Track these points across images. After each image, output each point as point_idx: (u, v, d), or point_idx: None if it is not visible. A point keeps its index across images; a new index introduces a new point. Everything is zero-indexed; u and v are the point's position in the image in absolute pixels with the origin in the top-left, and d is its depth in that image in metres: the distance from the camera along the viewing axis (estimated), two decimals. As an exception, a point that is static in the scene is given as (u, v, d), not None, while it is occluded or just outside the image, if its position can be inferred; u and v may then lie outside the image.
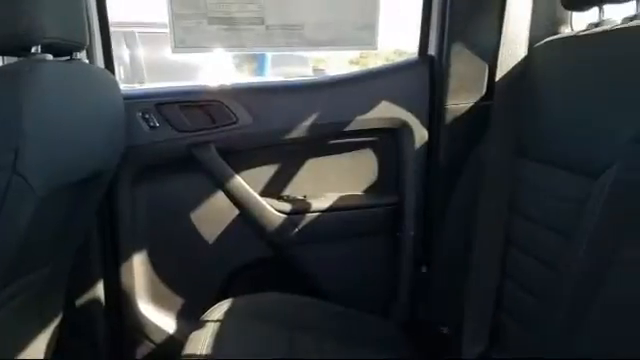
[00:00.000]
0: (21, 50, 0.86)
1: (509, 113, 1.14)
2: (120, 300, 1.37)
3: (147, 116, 1.29)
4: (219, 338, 1.08)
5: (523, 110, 1.12)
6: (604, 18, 1.03)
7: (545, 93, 1.06)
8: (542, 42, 1.14)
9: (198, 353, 1.04)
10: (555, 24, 1.26)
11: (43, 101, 0.78)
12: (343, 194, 1.41)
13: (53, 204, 0.88)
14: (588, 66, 0.95)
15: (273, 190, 1.39)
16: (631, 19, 0.93)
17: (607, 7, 1.04)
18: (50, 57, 0.89)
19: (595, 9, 1.04)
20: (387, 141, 1.39)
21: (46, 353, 1.17)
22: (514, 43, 1.19)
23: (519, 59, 1.18)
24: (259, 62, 4.52)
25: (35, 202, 0.79)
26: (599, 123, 0.87)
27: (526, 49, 1.18)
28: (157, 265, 1.39)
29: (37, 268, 1.02)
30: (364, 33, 1.39)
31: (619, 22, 0.98)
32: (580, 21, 1.19)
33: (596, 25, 1.03)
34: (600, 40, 0.95)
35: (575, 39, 1.04)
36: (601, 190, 0.81)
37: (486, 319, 1.04)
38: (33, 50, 0.87)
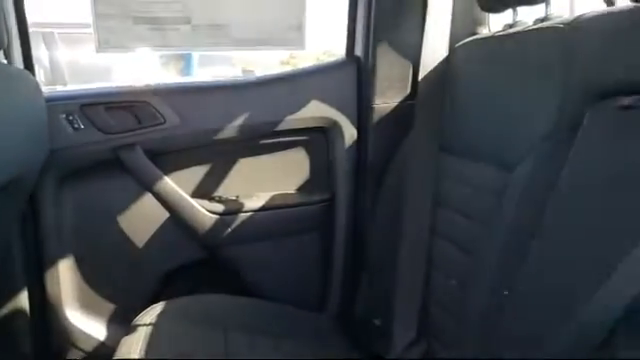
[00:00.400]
0: None
1: (431, 111, 1.19)
2: (46, 310, 1.32)
3: (71, 118, 1.25)
4: (151, 342, 1.06)
5: (444, 107, 1.17)
6: (517, 20, 1.10)
7: (464, 91, 1.12)
8: (461, 43, 1.20)
9: (130, 358, 1.02)
10: (474, 25, 1.32)
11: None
12: (275, 193, 1.42)
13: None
14: (501, 65, 1.01)
15: (204, 191, 1.39)
16: (541, 20, 1.00)
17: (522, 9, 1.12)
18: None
19: (511, 10, 1.11)
20: (317, 140, 1.42)
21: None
22: (435, 44, 1.25)
23: (440, 59, 1.23)
24: (186, 62, 4.46)
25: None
26: (512, 120, 0.93)
27: (447, 49, 1.24)
28: (85, 271, 1.35)
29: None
30: (292, 34, 1.41)
31: (531, 23, 1.05)
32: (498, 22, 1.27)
33: (511, 26, 1.10)
34: (512, 40, 1.01)
35: (490, 39, 1.10)
36: (516, 183, 0.87)
37: (415, 308, 1.08)
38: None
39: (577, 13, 0.92)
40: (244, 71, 5.28)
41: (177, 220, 1.35)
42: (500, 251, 0.86)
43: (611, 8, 0.81)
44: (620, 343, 0.62)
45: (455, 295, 0.99)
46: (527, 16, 1.11)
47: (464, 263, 0.97)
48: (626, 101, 0.68)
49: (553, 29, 0.89)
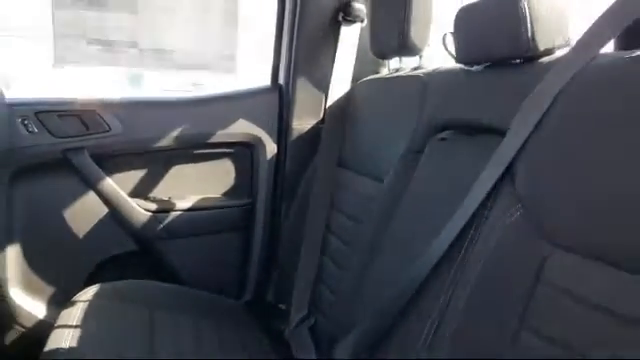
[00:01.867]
0: None
1: (334, 134, 1.46)
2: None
3: (26, 122, 1.44)
4: (86, 316, 1.26)
5: (345, 131, 1.45)
6: (401, 65, 1.39)
7: (358, 119, 1.40)
8: (361, 81, 1.48)
9: (67, 330, 1.21)
10: (377, 65, 1.61)
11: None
12: (204, 196, 1.65)
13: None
14: (382, 100, 1.29)
15: (141, 192, 1.60)
16: (414, 69, 1.29)
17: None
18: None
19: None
20: (242, 153, 1.66)
21: None
22: (341, 79, 1.53)
23: (345, 91, 1.51)
24: (134, 76, 4.61)
25: None
26: (384, 144, 1.21)
27: (349, 85, 1.52)
28: (30, 258, 1.52)
29: None
30: (225, 62, 1.65)
31: (408, 70, 1.34)
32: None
33: (397, 70, 1.39)
34: (391, 82, 1.30)
35: (379, 80, 1.39)
36: (382, 192, 1.14)
37: (308, 291, 1.33)
38: None
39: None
40: (194, 84, 5.47)
41: (115, 215, 1.55)
42: (367, 243, 1.13)
43: (454, 66, 1.10)
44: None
45: (338, 278, 1.25)
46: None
47: (346, 253, 1.24)
48: (443, 134, 0.96)
49: (416, 77, 1.18)
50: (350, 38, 1.55)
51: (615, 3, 0.70)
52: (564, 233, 0.65)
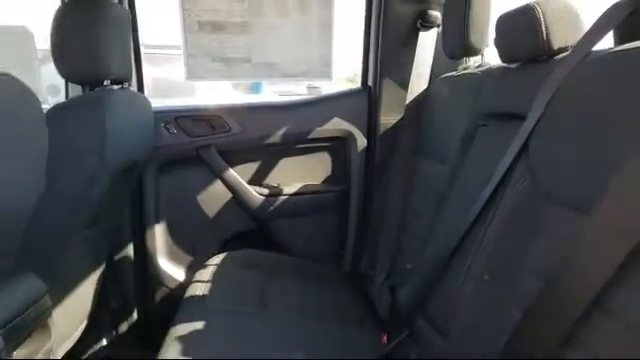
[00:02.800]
0: (97, 82, 1.42)
1: (412, 127, 1.70)
2: (145, 258, 1.91)
3: (168, 126, 1.84)
4: (214, 276, 1.61)
5: (421, 124, 1.68)
6: (469, 64, 1.60)
7: (433, 112, 1.63)
8: (437, 79, 1.70)
9: (199, 284, 1.57)
10: (454, 64, 1.82)
11: (116, 114, 1.33)
12: (306, 183, 1.96)
13: (115, 179, 1.42)
14: (450, 94, 1.51)
15: (256, 180, 1.94)
16: (477, 66, 1.50)
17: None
18: (115, 87, 1.45)
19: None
20: (338, 146, 1.95)
21: (95, 291, 1.69)
22: (420, 79, 1.77)
23: (422, 89, 1.75)
24: (255, 84, 5.10)
25: (109, 177, 1.32)
26: (450, 130, 1.43)
27: (427, 82, 1.75)
28: (173, 234, 1.92)
29: (98, 224, 1.55)
30: (322, 69, 1.95)
31: (472, 68, 1.54)
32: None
33: (465, 68, 1.60)
34: (458, 78, 1.51)
35: (448, 78, 1.61)
36: (447, 171, 1.37)
37: (388, 259, 1.59)
38: (105, 83, 1.42)
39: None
40: (309, 88, 5.89)
41: (236, 199, 1.91)
42: (432, 214, 1.36)
43: (501, 64, 1.29)
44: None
45: (411, 247, 1.49)
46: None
47: (419, 225, 1.47)
48: (485, 121, 1.18)
49: (474, 74, 1.39)
50: (428, 42, 1.78)
51: (607, 10, 0.89)
52: (558, 191, 0.85)
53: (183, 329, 1.27)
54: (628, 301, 0.68)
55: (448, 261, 1.11)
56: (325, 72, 1.96)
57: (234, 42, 1.89)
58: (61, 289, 1.38)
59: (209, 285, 1.55)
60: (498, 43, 1.18)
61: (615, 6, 0.89)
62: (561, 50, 1.03)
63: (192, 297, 1.48)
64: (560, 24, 1.02)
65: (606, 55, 0.85)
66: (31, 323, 1.12)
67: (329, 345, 1.30)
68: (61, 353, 1.48)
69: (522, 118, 1.02)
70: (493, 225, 0.97)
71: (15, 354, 1.10)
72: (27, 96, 1.03)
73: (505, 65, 1.23)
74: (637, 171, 0.68)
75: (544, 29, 1.02)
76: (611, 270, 0.69)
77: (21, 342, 1.10)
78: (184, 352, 1.15)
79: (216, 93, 3.86)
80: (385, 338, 1.31)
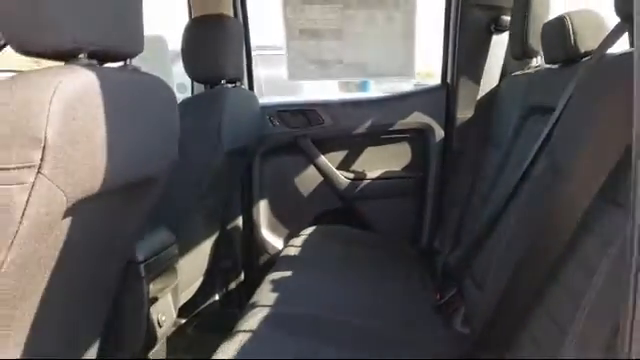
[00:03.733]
0: (216, 82, 1.78)
1: (483, 120, 1.91)
2: (251, 229, 2.27)
3: (272, 118, 2.18)
4: (305, 245, 1.93)
5: (492, 118, 1.88)
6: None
7: (499, 107, 1.83)
8: (505, 77, 1.90)
9: (292, 248, 1.89)
10: (521, 64, 1.99)
11: (230, 108, 1.68)
12: (388, 169, 2.21)
13: (228, 160, 1.77)
14: (512, 91, 1.70)
15: (344, 165, 2.23)
16: (536, 67, 1.68)
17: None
18: (230, 86, 1.81)
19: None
20: (417, 137, 2.18)
21: (210, 253, 2.07)
22: (491, 77, 1.96)
23: (493, 87, 1.94)
24: (363, 83, 5.42)
25: (224, 156, 1.67)
26: (508, 122, 1.62)
27: (497, 81, 1.94)
28: (273, 208, 2.27)
29: (214, 196, 1.91)
30: (406, 68, 2.20)
31: (531, 68, 1.72)
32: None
33: (528, 67, 1.78)
34: (519, 77, 1.70)
35: (514, 76, 1.79)
36: (500, 159, 1.57)
37: (452, 237, 1.81)
38: (222, 82, 1.78)
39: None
40: (415, 85, 6.14)
41: (327, 182, 2.21)
42: (486, 195, 1.57)
43: (547, 66, 1.48)
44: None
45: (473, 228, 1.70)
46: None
47: (480, 207, 1.69)
48: (526, 115, 1.38)
49: (528, 74, 1.58)
50: (499, 44, 1.96)
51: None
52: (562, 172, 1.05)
53: (275, 276, 1.59)
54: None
55: (490, 232, 1.33)
56: (408, 71, 2.20)
57: (328, 46, 2.20)
58: (184, 244, 1.76)
59: (299, 249, 1.88)
60: (543, 47, 1.38)
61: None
62: (587, 54, 1.21)
63: (285, 257, 1.81)
64: (586, 32, 1.20)
65: (613, 58, 1.03)
66: (163, 263, 1.50)
67: (392, 300, 1.56)
68: (183, 300, 1.87)
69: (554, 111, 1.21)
70: (520, 199, 1.19)
71: (151, 286, 1.47)
72: (165, 88, 1.22)
73: (548, 66, 1.41)
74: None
75: (572, 36, 1.21)
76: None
77: (156, 277, 1.48)
78: (273, 290, 1.48)
79: (322, 91, 4.25)
80: (439, 295, 1.55)
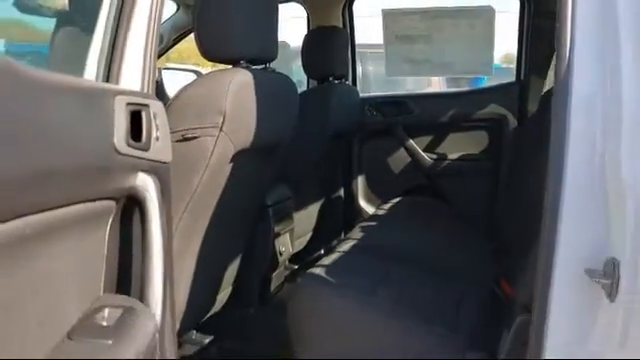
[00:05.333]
0: (325, 78, 2.31)
1: (547, 111, 2.26)
2: (351, 199, 2.78)
3: (370, 109, 2.68)
4: (392, 207, 2.41)
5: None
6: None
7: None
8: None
9: (380, 211, 2.38)
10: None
11: (335, 99, 2.20)
12: (466, 152, 2.62)
13: (335, 140, 2.28)
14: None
15: (429, 148, 2.67)
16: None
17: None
18: (336, 82, 2.33)
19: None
20: (493, 126, 2.57)
21: (317, 215, 2.59)
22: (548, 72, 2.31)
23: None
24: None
25: (328, 138, 2.20)
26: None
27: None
28: (369, 183, 2.77)
29: (321, 170, 2.44)
30: (484, 66, 2.59)
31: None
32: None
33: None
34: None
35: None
36: None
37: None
38: (330, 79, 2.31)
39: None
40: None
41: (414, 162, 2.66)
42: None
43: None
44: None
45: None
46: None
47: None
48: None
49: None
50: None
51: None
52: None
53: (364, 224, 2.10)
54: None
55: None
56: (487, 69, 2.60)
57: (419, 49, 2.65)
58: (299, 202, 2.30)
59: (386, 211, 2.36)
60: None
61: None
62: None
63: (374, 215, 2.30)
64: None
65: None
66: (284, 210, 2.04)
67: (456, 252, 1.99)
68: (296, 249, 2.41)
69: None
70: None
71: (275, 225, 2.01)
72: (290, 83, 1.74)
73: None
74: None
75: None
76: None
77: (279, 219, 2.01)
78: (362, 231, 1.98)
79: (423, 86, 4.68)
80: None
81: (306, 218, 2.44)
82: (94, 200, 0.77)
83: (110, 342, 0.67)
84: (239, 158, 1.45)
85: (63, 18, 1.23)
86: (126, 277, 0.86)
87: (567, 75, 0.99)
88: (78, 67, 1.01)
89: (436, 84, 5.29)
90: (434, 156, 2.65)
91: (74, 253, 0.73)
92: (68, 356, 0.63)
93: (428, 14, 2.57)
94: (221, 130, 1.34)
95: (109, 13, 1.02)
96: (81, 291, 0.75)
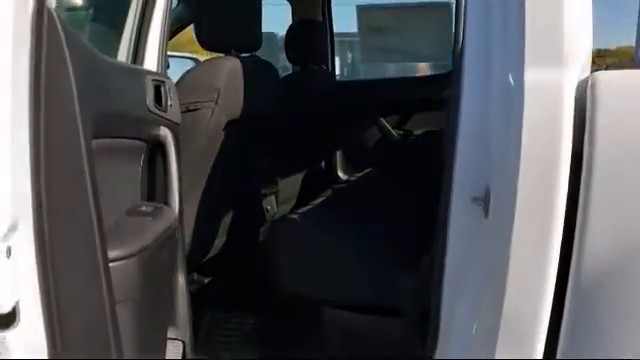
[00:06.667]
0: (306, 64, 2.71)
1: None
2: (332, 170, 3.19)
3: (345, 90, 3.07)
4: (360, 177, 2.82)
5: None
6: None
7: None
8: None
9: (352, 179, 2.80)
10: None
11: (316, 89, 2.60)
12: (426, 129, 3.03)
13: (316, 118, 2.69)
14: None
15: (399, 125, 3.08)
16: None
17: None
18: (315, 67, 2.73)
19: None
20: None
21: (302, 183, 3.00)
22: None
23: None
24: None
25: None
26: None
27: None
28: (345, 156, 3.17)
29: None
30: (445, 54, 2.98)
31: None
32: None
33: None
34: None
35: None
36: None
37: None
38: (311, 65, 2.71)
39: None
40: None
41: (384, 137, 3.07)
42: None
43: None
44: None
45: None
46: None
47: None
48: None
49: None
50: None
51: None
52: None
53: (331, 190, 2.52)
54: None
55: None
56: (445, 56, 3.00)
57: (389, 39, 3.04)
58: (282, 171, 2.69)
59: (356, 179, 2.78)
60: None
61: None
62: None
63: (345, 181, 2.73)
64: None
65: None
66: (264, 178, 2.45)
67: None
68: (282, 212, 2.82)
69: None
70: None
71: (263, 189, 2.42)
72: (272, 68, 2.21)
73: None
74: None
75: None
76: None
77: (265, 184, 2.43)
78: (329, 195, 2.40)
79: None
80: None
81: (290, 185, 2.84)
82: (136, 139, 1.19)
83: (150, 219, 1.10)
84: (231, 127, 1.86)
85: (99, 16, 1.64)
86: (153, 193, 1.29)
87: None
88: (113, 55, 1.42)
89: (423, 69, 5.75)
90: (401, 132, 3.06)
91: (124, 171, 1.15)
92: (124, 225, 1.06)
93: (395, 10, 2.97)
94: (216, 104, 1.74)
95: (135, 15, 1.43)
96: (129, 194, 1.18)
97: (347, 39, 3.86)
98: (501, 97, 1.34)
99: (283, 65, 3.60)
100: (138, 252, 1.08)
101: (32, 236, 0.82)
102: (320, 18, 2.99)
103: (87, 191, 0.89)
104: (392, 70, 3.40)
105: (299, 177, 2.92)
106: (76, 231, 0.90)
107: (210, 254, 2.18)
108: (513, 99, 1.20)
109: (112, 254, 0.97)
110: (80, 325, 0.90)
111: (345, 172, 3.19)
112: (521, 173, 1.14)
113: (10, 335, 0.82)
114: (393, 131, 3.06)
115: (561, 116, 1.14)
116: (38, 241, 0.82)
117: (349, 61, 4.00)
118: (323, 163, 3.19)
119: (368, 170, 2.92)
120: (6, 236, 0.78)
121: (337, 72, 3.20)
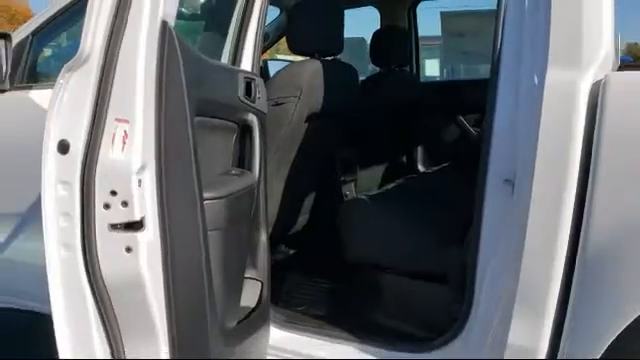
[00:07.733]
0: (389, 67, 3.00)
1: None
2: (413, 164, 3.43)
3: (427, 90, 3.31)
4: (436, 170, 3.05)
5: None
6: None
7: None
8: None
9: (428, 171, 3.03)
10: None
11: (397, 88, 2.88)
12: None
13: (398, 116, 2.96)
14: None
15: (477, 124, 3.26)
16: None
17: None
18: (396, 69, 3.01)
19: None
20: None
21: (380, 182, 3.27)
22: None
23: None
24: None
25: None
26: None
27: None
28: (425, 151, 3.41)
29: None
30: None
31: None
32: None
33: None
34: None
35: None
36: None
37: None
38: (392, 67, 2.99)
39: None
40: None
41: (463, 135, 3.26)
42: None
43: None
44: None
45: None
46: None
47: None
48: None
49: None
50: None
51: None
52: None
53: (403, 179, 2.78)
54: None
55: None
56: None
57: (470, 42, 3.24)
58: (362, 163, 2.99)
59: (432, 171, 3.02)
60: None
61: None
62: None
63: (420, 173, 2.97)
64: None
65: None
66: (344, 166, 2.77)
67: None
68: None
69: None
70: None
71: (342, 176, 2.73)
72: (353, 70, 2.50)
73: None
74: None
75: None
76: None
77: (346, 170, 2.74)
78: (401, 183, 2.66)
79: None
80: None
81: (371, 175, 3.12)
82: (230, 121, 1.59)
83: (236, 177, 1.51)
84: (312, 119, 2.19)
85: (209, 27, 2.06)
86: (242, 163, 1.69)
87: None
88: (218, 57, 1.83)
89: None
90: (479, 130, 3.23)
91: (220, 144, 1.58)
92: (217, 180, 1.50)
93: (476, 15, 3.16)
94: (299, 99, 2.08)
95: (235, 27, 1.82)
96: (223, 162, 1.63)
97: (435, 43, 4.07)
98: (527, 96, 1.56)
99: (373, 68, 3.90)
100: (225, 196, 1.48)
101: (154, 175, 1.25)
102: (405, 24, 3.26)
103: (190, 150, 1.31)
104: (472, 72, 3.58)
105: (380, 168, 3.20)
106: (182, 176, 1.32)
107: (294, 229, 2.54)
108: (536, 97, 1.42)
109: (206, 195, 1.39)
110: (182, 238, 1.32)
111: (425, 166, 3.42)
112: (537, 161, 1.38)
113: (140, 236, 1.25)
114: (472, 129, 3.24)
115: (574, 113, 1.36)
116: (157, 179, 1.25)
117: (434, 63, 4.23)
118: (405, 157, 3.44)
119: (444, 165, 3.13)
120: (138, 172, 1.23)
121: (426, 73, 3.43)
